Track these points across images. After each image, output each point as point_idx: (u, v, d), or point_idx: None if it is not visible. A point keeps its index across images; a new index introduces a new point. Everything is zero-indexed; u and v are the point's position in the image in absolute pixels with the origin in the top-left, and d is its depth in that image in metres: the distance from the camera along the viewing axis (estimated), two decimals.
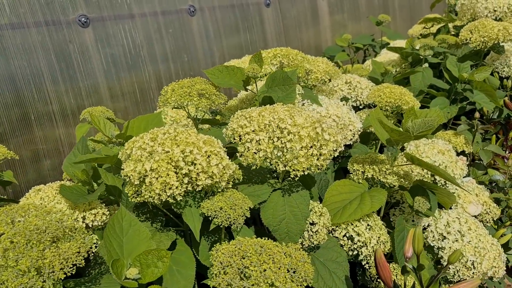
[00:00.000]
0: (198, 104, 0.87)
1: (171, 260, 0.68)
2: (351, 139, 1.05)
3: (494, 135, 1.35)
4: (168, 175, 0.63)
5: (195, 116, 0.98)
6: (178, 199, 0.65)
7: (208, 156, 0.66)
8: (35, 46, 1.23)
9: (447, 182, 0.97)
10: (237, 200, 0.69)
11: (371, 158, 0.96)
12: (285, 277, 0.56)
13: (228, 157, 0.70)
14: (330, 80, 1.18)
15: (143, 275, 0.62)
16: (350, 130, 1.05)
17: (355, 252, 0.86)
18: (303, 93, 1.09)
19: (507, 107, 1.31)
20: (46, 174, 1.29)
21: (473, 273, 0.88)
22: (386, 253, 0.87)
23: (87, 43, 1.35)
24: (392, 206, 1.02)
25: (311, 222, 0.79)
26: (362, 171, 0.93)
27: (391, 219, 0.98)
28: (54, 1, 1.26)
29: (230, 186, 0.71)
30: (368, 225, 0.88)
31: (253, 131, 0.72)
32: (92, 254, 0.69)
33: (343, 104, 1.09)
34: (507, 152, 1.42)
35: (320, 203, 0.86)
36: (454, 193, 1.01)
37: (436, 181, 0.97)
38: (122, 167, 0.66)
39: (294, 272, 0.58)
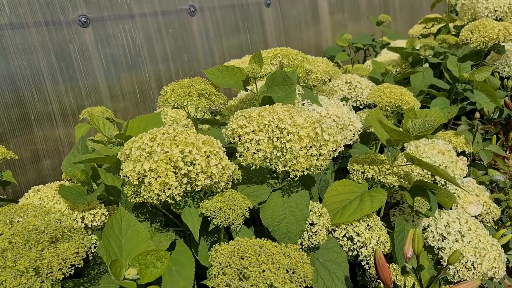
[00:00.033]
0: (197, 104, 0.87)
1: (170, 260, 0.68)
2: (351, 139, 1.05)
3: (495, 135, 1.35)
4: (167, 175, 0.63)
5: (194, 116, 0.98)
6: (177, 199, 0.64)
7: (207, 156, 0.66)
8: (35, 46, 1.23)
9: (447, 182, 0.97)
10: (236, 200, 0.68)
11: (371, 158, 0.95)
12: (284, 277, 0.56)
13: (227, 157, 0.70)
14: (330, 80, 1.18)
15: (142, 275, 0.62)
16: (350, 130, 1.05)
17: (355, 252, 0.86)
18: (303, 93, 1.09)
19: (507, 107, 1.31)
20: (46, 174, 1.29)
21: (473, 273, 0.88)
22: (386, 254, 0.87)
23: (87, 43, 1.35)
24: (392, 207, 1.01)
25: (310, 222, 0.79)
26: (362, 171, 0.93)
27: (391, 220, 0.98)
28: (54, 1, 1.26)
29: (230, 186, 0.71)
30: (368, 225, 0.88)
31: (252, 131, 0.72)
32: (91, 255, 0.69)
33: (343, 104, 1.09)
34: (507, 152, 1.42)
35: (320, 203, 0.86)
36: (454, 193, 1.01)
37: (436, 181, 0.97)
38: (121, 167, 0.66)
39: (293, 272, 0.57)
